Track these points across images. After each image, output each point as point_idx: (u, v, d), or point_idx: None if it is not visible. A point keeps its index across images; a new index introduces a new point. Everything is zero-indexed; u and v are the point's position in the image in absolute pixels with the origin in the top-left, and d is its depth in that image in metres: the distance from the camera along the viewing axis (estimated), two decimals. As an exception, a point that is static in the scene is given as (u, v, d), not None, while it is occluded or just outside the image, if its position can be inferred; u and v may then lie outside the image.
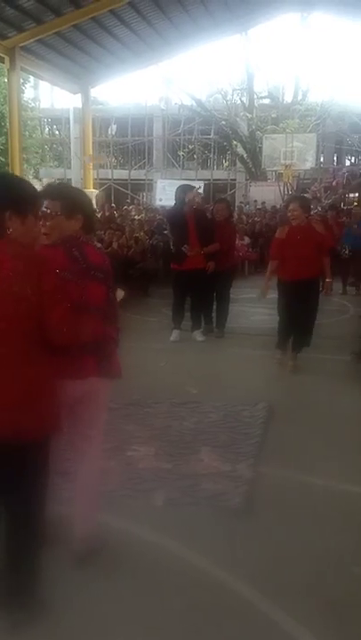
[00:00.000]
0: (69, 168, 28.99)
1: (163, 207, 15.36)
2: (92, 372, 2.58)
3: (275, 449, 4.05)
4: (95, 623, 2.38)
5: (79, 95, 20.40)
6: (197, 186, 7.96)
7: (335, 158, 31.39)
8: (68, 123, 26.41)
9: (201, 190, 15.27)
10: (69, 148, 28.16)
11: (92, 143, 22.81)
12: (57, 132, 32.99)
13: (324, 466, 3.78)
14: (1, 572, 2.32)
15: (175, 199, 7.25)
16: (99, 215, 16.07)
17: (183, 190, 7.15)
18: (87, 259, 2.52)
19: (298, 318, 5.87)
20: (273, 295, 6.06)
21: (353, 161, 30.98)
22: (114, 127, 31.49)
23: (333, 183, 24.13)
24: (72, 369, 2.48)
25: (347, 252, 10.56)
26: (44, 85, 28.58)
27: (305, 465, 3.78)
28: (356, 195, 27.86)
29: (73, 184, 27.56)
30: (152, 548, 2.89)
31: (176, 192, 7.23)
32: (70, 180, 29.06)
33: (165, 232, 10.17)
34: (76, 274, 2.45)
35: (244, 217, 16.20)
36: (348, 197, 26.78)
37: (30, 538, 2.34)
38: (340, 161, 31.06)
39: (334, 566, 2.78)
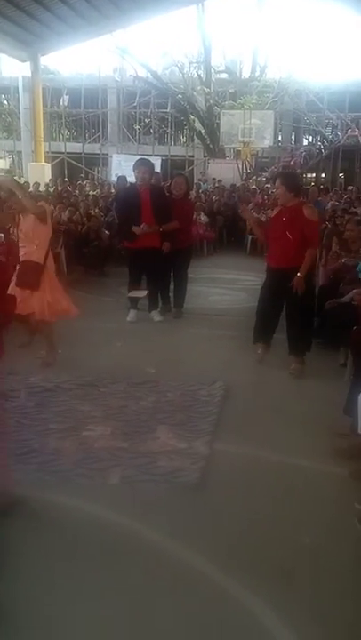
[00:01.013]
0: (19, 140, 28.20)
1: (117, 182, 15.14)
2: None
3: (231, 426, 4.12)
4: (51, 601, 2.39)
5: (28, 63, 19.76)
6: (153, 162, 7.74)
7: (293, 137, 31.51)
8: (17, 92, 25.60)
9: (158, 167, 15.13)
10: (19, 119, 27.33)
11: (44, 114, 22.23)
12: (5, 102, 31.93)
13: (280, 442, 3.87)
14: None
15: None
16: (51, 190, 15.79)
17: (136, 164, 6.95)
18: None
19: (288, 316, 5.33)
20: (233, 276, 5.99)
21: (310, 140, 31.15)
22: (66, 98, 30.55)
23: (291, 163, 24.23)
24: None
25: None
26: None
27: (259, 441, 3.87)
28: (314, 175, 28.15)
29: (23, 157, 26.98)
30: (108, 525, 2.92)
31: (133, 166, 7.06)
32: (20, 152, 28.39)
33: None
34: None
35: (202, 195, 16.13)
36: (306, 177, 27.02)
37: None
38: (298, 140, 31.19)
39: (286, 538, 2.88)
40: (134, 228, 6.67)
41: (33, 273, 5.04)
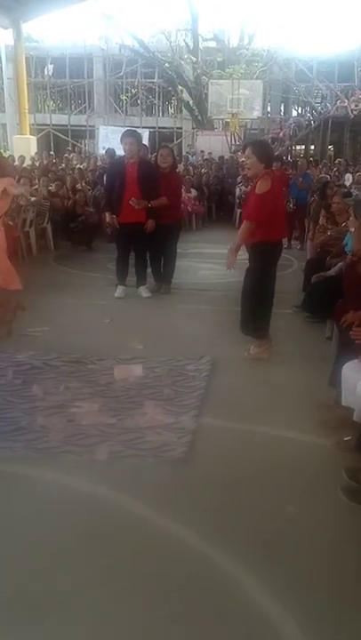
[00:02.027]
0: (3, 112, 27.72)
1: (105, 154, 14.98)
2: None
3: (218, 401, 4.16)
4: (42, 576, 2.44)
5: (10, 31, 19.28)
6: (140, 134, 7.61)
7: (282, 108, 31.22)
8: (0, 62, 25.09)
9: (146, 139, 14.95)
10: (2, 89, 26.82)
11: (28, 85, 21.78)
12: (-13, 73, 31.30)
13: (265, 415, 3.92)
14: None
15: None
16: (37, 163, 15.58)
17: (121, 136, 6.83)
18: None
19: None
20: (221, 250, 5.85)
21: (300, 111, 30.87)
22: (50, 67, 29.93)
23: (280, 134, 24.05)
24: None
25: (292, 205, 10.62)
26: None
27: (247, 415, 3.91)
28: (303, 147, 27.95)
29: (8, 129, 26.52)
30: (94, 500, 2.96)
31: (120, 138, 6.93)
32: (5, 125, 27.89)
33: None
34: None
35: (190, 168, 15.97)
36: (295, 149, 26.83)
37: None
38: (287, 111, 30.92)
39: (270, 508, 2.94)
40: (131, 201, 6.56)
41: None
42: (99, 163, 15.18)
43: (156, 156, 7.49)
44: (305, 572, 2.50)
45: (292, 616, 2.25)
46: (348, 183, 12.64)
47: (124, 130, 7.79)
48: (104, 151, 15.80)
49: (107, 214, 6.91)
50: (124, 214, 6.69)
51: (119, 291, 6.96)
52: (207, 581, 2.44)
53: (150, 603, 2.33)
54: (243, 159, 15.88)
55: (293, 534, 2.75)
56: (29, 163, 15.75)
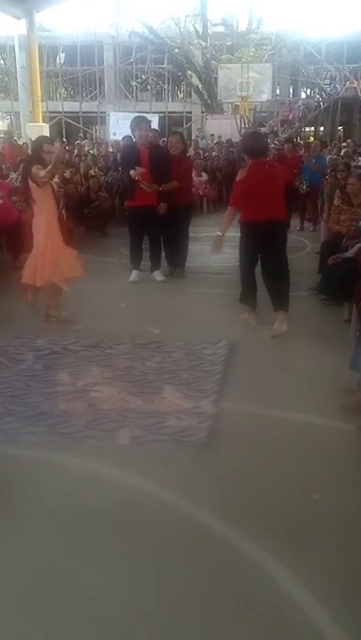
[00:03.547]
0: (17, 100, 27.76)
1: (117, 141, 14.92)
2: None
3: (236, 385, 4.13)
4: (63, 563, 2.44)
5: (24, 21, 19.28)
6: (150, 119, 7.59)
7: (291, 90, 30.92)
8: (14, 51, 25.09)
9: (155, 124, 14.83)
10: (16, 78, 26.87)
11: (40, 73, 21.77)
12: (2, 62, 31.34)
13: (286, 399, 3.88)
14: None
15: (131, 131, 7.04)
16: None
17: (135, 123, 6.86)
18: None
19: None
20: (233, 234, 5.90)
21: (309, 93, 30.55)
22: (62, 55, 30.04)
23: (290, 117, 23.84)
24: None
25: (305, 187, 10.52)
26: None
27: (267, 399, 3.88)
28: (312, 128, 27.68)
29: (21, 117, 26.59)
30: (118, 485, 2.95)
31: (130, 124, 6.99)
32: (18, 113, 27.96)
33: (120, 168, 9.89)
34: None
35: (200, 152, 15.85)
36: (304, 131, 26.59)
37: None
38: (296, 93, 30.63)
39: (295, 494, 2.90)
40: (130, 172, 6.59)
41: None
42: (110, 149, 15.11)
43: (166, 142, 7.61)
44: (332, 559, 2.47)
45: (322, 604, 2.22)
46: (361, 164, 12.49)
47: (134, 116, 7.77)
48: (118, 138, 15.73)
49: (130, 172, 6.74)
50: (136, 198, 6.73)
51: (134, 275, 6.96)
52: (234, 568, 2.42)
53: (176, 588, 2.31)
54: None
55: (319, 521, 2.72)
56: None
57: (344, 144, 18.23)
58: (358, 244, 5.42)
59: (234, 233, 5.65)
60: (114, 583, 2.33)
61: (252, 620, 2.17)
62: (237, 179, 5.30)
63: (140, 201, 6.70)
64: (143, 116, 7.20)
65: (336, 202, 7.23)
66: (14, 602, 2.24)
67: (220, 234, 5.40)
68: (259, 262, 5.36)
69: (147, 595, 2.27)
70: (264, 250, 5.26)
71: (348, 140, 18.52)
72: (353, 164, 11.11)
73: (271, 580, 2.35)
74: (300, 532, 2.63)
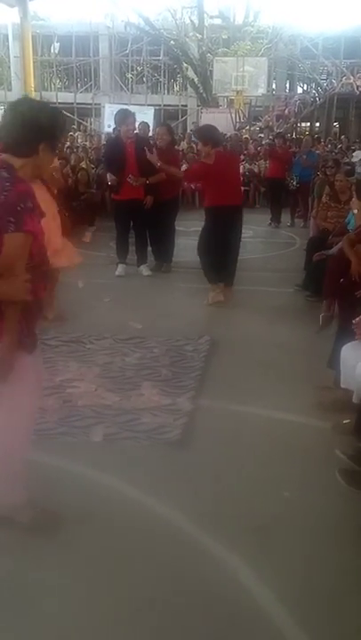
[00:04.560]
0: (10, 90, 27.53)
1: (109, 134, 14.85)
2: None
3: (216, 381, 4.12)
4: (34, 558, 2.42)
5: (16, 9, 19.08)
6: (145, 112, 7.57)
7: (287, 85, 30.80)
8: (7, 40, 24.89)
9: (151, 117, 14.74)
10: (9, 68, 26.66)
11: (34, 63, 21.59)
12: (-5, 51, 31.12)
13: (263, 397, 3.87)
14: None
15: (115, 124, 7.01)
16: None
17: (121, 117, 6.80)
18: None
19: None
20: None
21: (305, 88, 30.45)
22: (57, 45, 29.79)
23: (285, 111, 23.77)
24: None
25: (295, 183, 10.49)
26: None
27: (245, 396, 3.86)
28: (308, 124, 27.61)
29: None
30: (88, 483, 2.93)
31: (115, 117, 6.93)
32: (12, 103, 27.76)
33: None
34: None
35: (194, 145, 15.76)
36: (300, 126, 26.52)
37: None
38: (293, 88, 30.52)
39: (265, 492, 2.89)
40: (131, 179, 6.57)
41: None
42: (103, 142, 15.03)
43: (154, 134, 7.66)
44: (300, 559, 2.47)
45: (283, 604, 2.21)
46: (356, 160, 12.50)
47: (130, 108, 7.77)
48: (110, 129, 15.63)
49: (107, 175, 7.04)
50: (122, 192, 6.71)
51: (119, 269, 6.93)
52: (199, 567, 2.41)
53: (141, 586, 2.30)
54: (246, 136, 15.70)
55: (289, 519, 2.71)
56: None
57: (341, 138, 18.22)
58: (340, 243, 5.39)
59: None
60: (75, 583, 2.30)
61: (210, 620, 2.15)
62: (202, 160, 5.95)
63: (126, 194, 6.67)
64: (128, 110, 7.16)
65: (324, 198, 7.21)
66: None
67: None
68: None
69: (107, 594, 2.25)
70: (224, 232, 5.77)
71: (343, 137, 18.48)
72: (345, 160, 11.11)
73: (235, 580, 2.34)
74: (268, 530, 2.63)
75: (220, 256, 5.93)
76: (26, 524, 2.51)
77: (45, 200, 5.15)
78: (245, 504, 2.80)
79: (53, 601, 2.21)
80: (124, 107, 15.45)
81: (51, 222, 5.15)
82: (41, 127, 2.17)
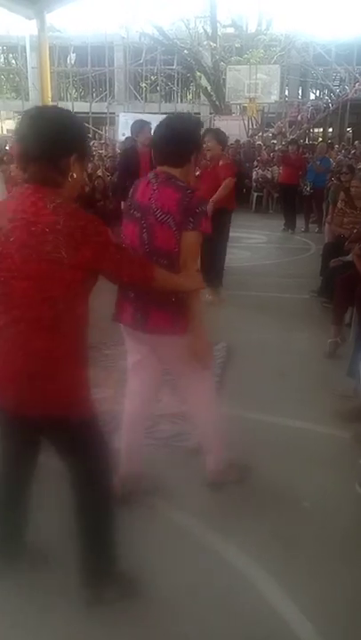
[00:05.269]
0: (27, 100, 27.84)
1: (123, 143, 14.96)
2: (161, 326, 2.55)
3: (233, 388, 4.11)
4: (41, 566, 2.42)
5: (35, 21, 19.35)
6: (149, 121, 7.57)
7: (300, 92, 30.79)
8: (25, 52, 25.19)
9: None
10: (27, 78, 26.97)
11: (51, 73, 21.84)
12: (13, 62, 31.49)
13: (281, 405, 3.85)
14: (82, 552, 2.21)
15: (132, 134, 7.06)
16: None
17: (138, 127, 6.87)
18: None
19: None
20: (237, 234, 5.94)
21: (318, 94, 30.42)
22: (73, 56, 30.14)
23: (298, 118, 23.79)
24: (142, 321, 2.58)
25: (308, 188, 10.49)
26: (-3, 11, 26.94)
27: (262, 404, 3.85)
28: (321, 130, 27.58)
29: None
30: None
31: (131, 127, 6.98)
32: (28, 113, 28.12)
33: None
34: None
35: (207, 152, 15.81)
36: (313, 132, 26.50)
37: (99, 507, 2.19)
38: (305, 94, 30.49)
39: (284, 502, 2.88)
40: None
41: None
42: (117, 150, 15.15)
43: None
44: (321, 570, 2.44)
45: (306, 615, 2.19)
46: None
47: (143, 117, 7.83)
48: (123, 137, 15.74)
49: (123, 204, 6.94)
50: None
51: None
52: (217, 575, 2.40)
53: (160, 598, 2.28)
54: (259, 142, 15.70)
55: (308, 530, 2.69)
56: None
57: (355, 143, 18.17)
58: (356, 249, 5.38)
59: (249, 234, 5.67)
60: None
61: (234, 629, 2.15)
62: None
63: None
64: (144, 120, 7.20)
65: (340, 204, 7.18)
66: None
67: None
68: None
69: (126, 603, 2.24)
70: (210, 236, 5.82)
71: (356, 142, 18.43)
72: (360, 166, 11.07)
73: (255, 589, 2.32)
74: (287, 540, 2.61)
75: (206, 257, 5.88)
76: (236, 481, 2.90)
77: None
78: (264, 513, 2.78)
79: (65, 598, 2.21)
80: (139, 115, 15.65)
81: None
82: (192, 139, 2.50)
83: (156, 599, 2.27)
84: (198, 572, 2.41)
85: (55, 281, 1.87)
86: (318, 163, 10.82)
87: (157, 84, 30.20)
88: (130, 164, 6.86)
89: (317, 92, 30.64)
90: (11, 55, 31.56)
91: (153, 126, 7.31)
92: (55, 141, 1.90)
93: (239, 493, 2.92)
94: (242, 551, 2.51)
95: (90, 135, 23.94)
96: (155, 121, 7.61)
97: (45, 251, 1.83)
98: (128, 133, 16.32)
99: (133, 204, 2.51)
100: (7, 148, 12.23)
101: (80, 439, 2.09)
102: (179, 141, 2.46)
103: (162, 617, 2.19)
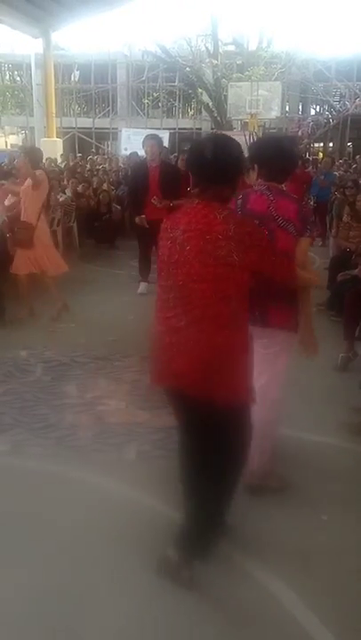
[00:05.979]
0: (32, 116, 28.11)
1: (128, 157, 15.08)
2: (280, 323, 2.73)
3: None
4: (65, 576, 2.41)
5: (40, 40, 19.65)
6: (161, 136, 7.70)
7: (300, 107, 31.04)
8: (30, 69, 25.48)
9: (166, 140, 14.92)
10: (31, 95, 27.26)
11: (55, 90, 22.09)
12: (18, 79, 31.85)
13: (293, 416, 3.79)
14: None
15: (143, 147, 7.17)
16: (62, 165, 15.70)
17: (145, 140, 6.99)
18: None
19: None
20: None
21: (318, 110, 30.66)
22: (77, 74, 30.49)
23: (299, 133, 23.97)
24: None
25: (312, 203, 10.55)
26: (3, 29, 27.26)
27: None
28: (321, 144, 27.78)
29: (36, 133, 26.94)
30: (122, 500, 2.93)
31: (143, 142, 7.11)
32: (33, 128, 28.32)
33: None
34: None
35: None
36: (313, 147, 26.69)
37: (225, 493, 2.42)
38: (306, 110, 30.73)
39: (302, 515, 2.86)
40: (155, 201, 6.64)
41: (25, 232, 5.59)
42: (120, 164, 15.27)
43: (177, 159, 7.76)
44: (342, 583, 2.44)
45: (327, 627, 2.19)
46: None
47: (145, 132, 7.94)
48: (127, 152, 15.88)
49: (137, 218, 7.00)
50: (146, 212, 6.80)
51: (142, 287, 7.00)
52: (238, 587, 2.39)
53: (180, 609, 2.27)
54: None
55: (327, 542, 2.68)
56: (63, 163, 15.85)
57: (357, 157, 18.30)
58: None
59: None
60: (116, 604, 2.29)
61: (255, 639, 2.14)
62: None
63: (149, 215, 6.75)
64: (154, 133, 7.32)
65: (345, 218, 7.24)
66: (13, 618, 2.23)
67: None
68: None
69: (151, 614, 2.24)
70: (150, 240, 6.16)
71: (357, 157, 18.57)
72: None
73: (276, 601, 2.32)
74: (306, 552, 2.60)
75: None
76: (275, 489, 2.92)
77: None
78: (282, 526, 2.77)
79: (94, 619, 2.20)
80: (141, 130, 15.79)
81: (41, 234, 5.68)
82: (295, 157, 2.86)
83: (175, 611, 2.25)
84: (218, 583, 2.40)
85: (230, 282, 2.16)
86: (323, 177, 10.88)
87: (159, 101, 30.47)
88: (139, 179, 6.95)
89: (318, 107, 30.90)
90: (16, 72, 31.94)
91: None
92: (236, 170, 2.27)
93: (255, 506, 2.89)
94: (262, 563, 2.50)
95: (93, 150, 24.12)
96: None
97: (221, 255, 2.13)
98: (130, 148, 16.53)
99: (246, 213, 2.68)
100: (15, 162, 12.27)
101: (234, 423, 2.29)
102: (286, 159, 2.77)
103: (183, 623, 2.18)
